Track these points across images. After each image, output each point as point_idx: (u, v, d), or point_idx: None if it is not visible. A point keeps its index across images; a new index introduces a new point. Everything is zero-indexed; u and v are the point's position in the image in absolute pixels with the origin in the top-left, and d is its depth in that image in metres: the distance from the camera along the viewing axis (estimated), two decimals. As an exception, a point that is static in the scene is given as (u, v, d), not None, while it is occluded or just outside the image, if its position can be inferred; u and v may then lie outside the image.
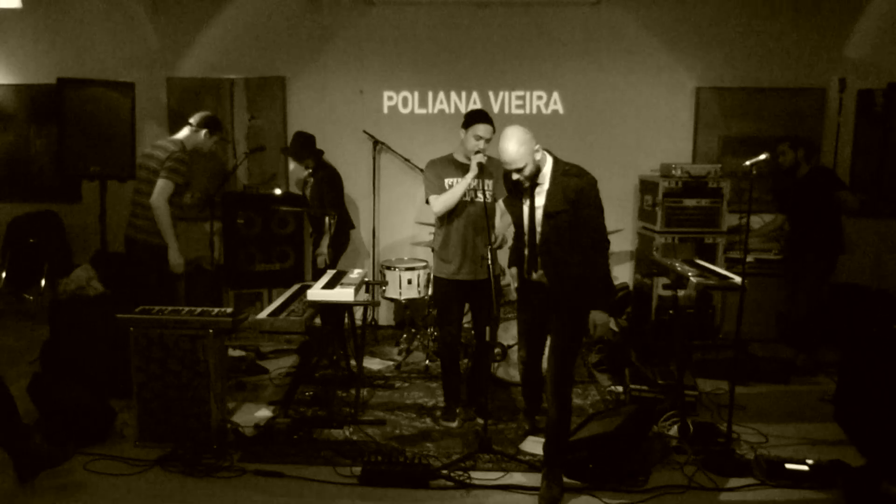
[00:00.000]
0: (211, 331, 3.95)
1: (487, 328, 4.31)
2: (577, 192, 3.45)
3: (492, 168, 4.15)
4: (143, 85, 6.36)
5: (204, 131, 4.94)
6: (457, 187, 4.16)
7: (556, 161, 3.57)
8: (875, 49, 6.41)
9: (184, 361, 3.95)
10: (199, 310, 4.10)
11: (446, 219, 4.29)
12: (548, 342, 3.74)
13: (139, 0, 6.60)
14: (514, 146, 3.42)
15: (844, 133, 6.43)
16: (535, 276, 3.68)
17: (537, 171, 3.52)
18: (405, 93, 6.64)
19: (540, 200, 3.56)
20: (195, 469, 3.75)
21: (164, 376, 3.97)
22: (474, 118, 4.16)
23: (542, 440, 3.69)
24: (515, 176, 3.52)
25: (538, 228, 3.58)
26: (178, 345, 3.95)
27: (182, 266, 4.83)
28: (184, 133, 4.95)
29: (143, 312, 4.03)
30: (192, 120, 4.99)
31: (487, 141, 4.13)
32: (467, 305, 4.45)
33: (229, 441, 4.08)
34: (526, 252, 3.71)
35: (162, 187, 4.70)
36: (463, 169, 4.18)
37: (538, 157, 3.51)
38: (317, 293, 4.16)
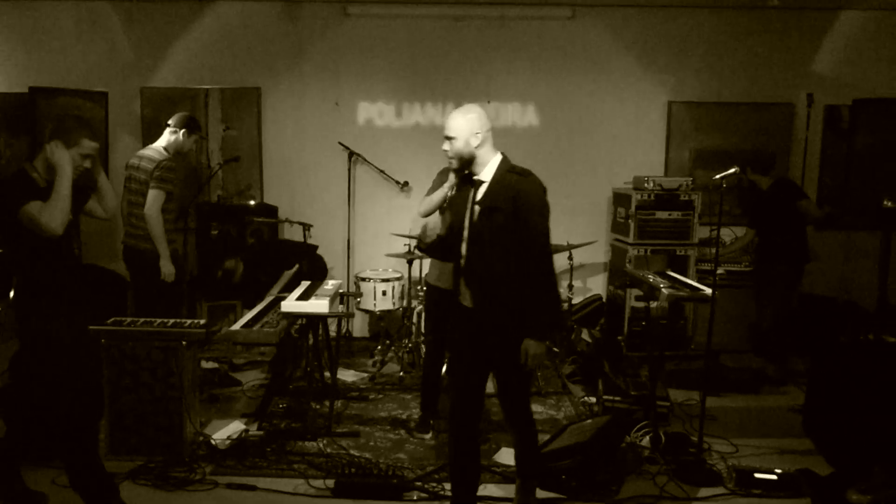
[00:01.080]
0: (184, 342, 3.93)
1: None
2: (517, 192, 3.08)
3: None
4: (117, 95, 6.32)
5: (183, 131, 4.90)
6: (435, 194, 4.20)
7: (505, 160, 3.21)
8: (842, 66, 6.57)
9: (156, 374, 3.92)
10: (171, 321, 4.07)
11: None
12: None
13: (113, 9, 6.54)
14: (457, 116, 3.17)
15: (812, 147, 6.57)
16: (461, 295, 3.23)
17: (470, 159, 3.16)
18: (381, 104, 6.65)
19: (479, 196, 3.18)
20: (166, 482, 3.72)
21: (136, 388, 3.93)
22: None
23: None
24: (445, 146, 3.18)
25: (466, 232, 3.19)
26: (151, 357, 3.92)
27: (173, 275, 4.79)
28: (165, 138, 4.91)
29: (115, 324, 3.99)
30: (170, 122, 4.93)
31: None
32: None
33: (201, 454, 4.05)
34: (462, 262, 3.22)
35: (154, 197, 4.68)
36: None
37: (475, 143, 3.13)
38: (291, 304, 4.15)
